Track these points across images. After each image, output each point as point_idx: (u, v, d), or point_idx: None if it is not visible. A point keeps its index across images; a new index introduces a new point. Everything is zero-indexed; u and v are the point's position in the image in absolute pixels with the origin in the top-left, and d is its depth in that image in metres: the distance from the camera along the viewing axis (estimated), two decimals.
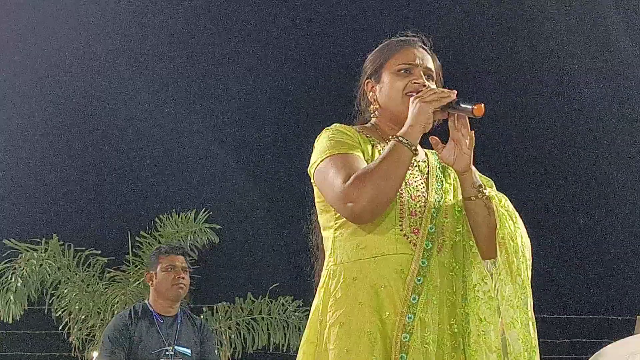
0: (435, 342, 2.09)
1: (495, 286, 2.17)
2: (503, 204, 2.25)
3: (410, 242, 2.15)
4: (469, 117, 2.16)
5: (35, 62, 9.00)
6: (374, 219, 2.12)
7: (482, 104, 2.10)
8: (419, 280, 2.11)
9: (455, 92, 2.16)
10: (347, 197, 2.06)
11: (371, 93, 2.34)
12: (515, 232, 2.21)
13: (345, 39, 8.75)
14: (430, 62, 2.33)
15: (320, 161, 2.19)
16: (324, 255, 2.27)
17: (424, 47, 2.35)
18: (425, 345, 2.06)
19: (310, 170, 2.25)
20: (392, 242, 2.14)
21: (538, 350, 2.18)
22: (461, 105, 2.14)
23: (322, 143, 2.23)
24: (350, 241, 2.17)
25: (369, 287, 2.11)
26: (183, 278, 4.29)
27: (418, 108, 2.14)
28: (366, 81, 2.37)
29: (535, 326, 2.19)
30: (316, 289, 2.26)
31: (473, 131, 2.18)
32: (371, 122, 2.37)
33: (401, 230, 2.16)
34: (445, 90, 2.17)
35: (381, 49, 2.38)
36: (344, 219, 2.17)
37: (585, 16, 9.13)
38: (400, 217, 2.16)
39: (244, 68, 9.59)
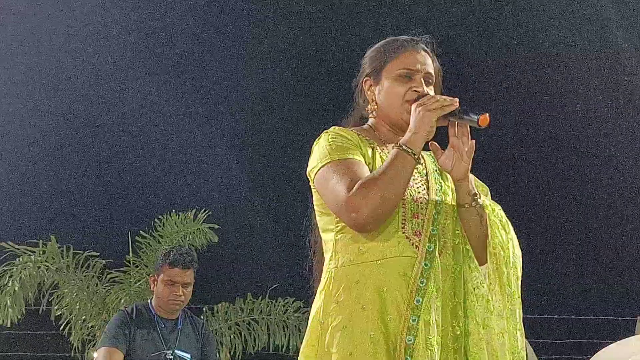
0: (440, 345, 2.09)
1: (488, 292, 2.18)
2: (496, 213, 2.25)
3: (412, 245, 2.14)
4: (471, 126, 2.16)
5: (33, 63, 9.00)
6: (378, 228, 2.11)
7: (487, 114, 2.09)
8: (422, 282, 2.10)
9: (457, 100, 2.15)
10: (351, 206, 2.06)
11: (369, 92, 2.33)
12: (507, 242, 2.22)
13: (346, 40, 8.75)
14: (430, 67, 2.31)
15: (321, 166, 2.18)
16: (324, 257, 2.27)
17: (426, 49, 2.34)
18: (430, 348, 2.06)
19: (310, 174, 2.23)
20: (395, 245, 2.13)
21: None
22: (467, 115, 2.12)
23: (322, 147, 2.22)
24: (352, 244, 2.16)
25: (371, 290, 2.10)
26: (181, 295, 4.20)
27: (421, 116, 2.13)
28: (365, 79, 2.35)
29: (523, 336, 2.20)
30: (316, 291, 2.25)
31: (474, 140, 2.18)
32: (369, 123, 2.36)
33: (404, 232, 2.15)
34: (448, 98, 2.16)
35: (382, 47, 2.36)
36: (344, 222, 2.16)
37: (588, 18, 9.13)
38: (403, 220, 2.16)
39: (244, 68, 9.59)
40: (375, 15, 9.14)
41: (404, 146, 2.10)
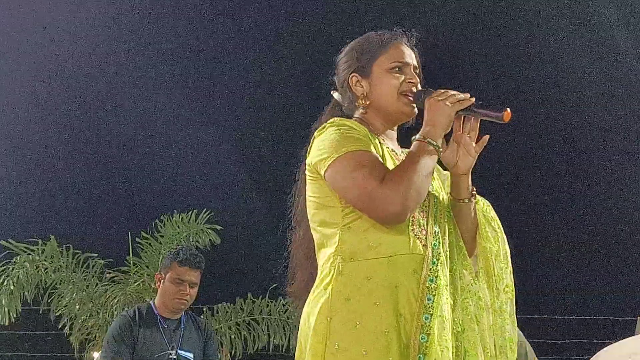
0: (450, 341, 2.09)
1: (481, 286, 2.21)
2: (484, 209, 2.28)
3: (421, 243, 2.14)
4: (489, 121, 2.16)
5: (33, 63, 9.01)
6: (405, 220, 2.11)
7: (509, 109, 2.08)
8: (431, 280, 2.10)
9: (469, 95, 2.16)
10: (383, 199, 2.04)
11: (359, 87, 2.31)
12: (496, 237, 2.25)
13: (344, 38, 8.74)
14: (415, 60, 2.34)
15: (337, 157, 2.11)
16: (313, 251, 2.23)
17: (407, 43, 2.36)
18: (443, 346, 2.06)
19: (318, 164, 2.16)
20: (405, 241, 2.12)
21: (514, 353, 2.20)
22: (484, 110, 2.13)
23: (331, 138, 2.16)
24: (360, 239, 2.11)
25: (383, 286, 2.07)
26: (187, 295, 4.22)
27: (441, 110, 2.14)
28: (351, 75, 2.34)
29: (515, 326, 2.22)
30: (289, 284, 2.25)
31: (488, 135, 2.20)
32: (357, 116, 2.33)
33: (412, 230, 2.14)
34: (462, 94, 2.17)
35: (367, 43, 2.36)
36: (354, 216, 2.12)
37: (584, 13, 9.13)
38: (412, 217, 2.15)
39: (245, 68, 9.60)
40: (372, 13, 9.15)
41: (427, 139, 2.11)
